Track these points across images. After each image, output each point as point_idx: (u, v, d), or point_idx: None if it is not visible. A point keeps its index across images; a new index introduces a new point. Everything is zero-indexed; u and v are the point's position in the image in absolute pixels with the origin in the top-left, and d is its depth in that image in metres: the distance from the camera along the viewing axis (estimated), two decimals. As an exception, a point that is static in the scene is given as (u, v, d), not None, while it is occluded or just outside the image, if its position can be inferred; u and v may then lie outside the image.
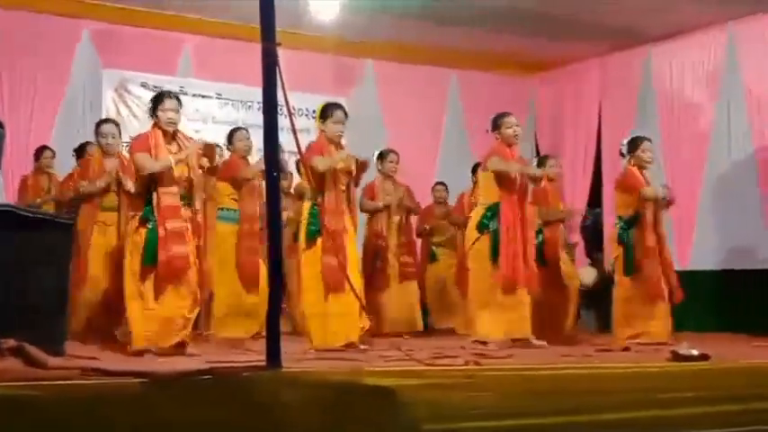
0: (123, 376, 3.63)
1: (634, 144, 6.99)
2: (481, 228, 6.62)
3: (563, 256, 7.74)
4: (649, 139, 7.10)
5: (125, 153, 6.96)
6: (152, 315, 5.50)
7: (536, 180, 6.90)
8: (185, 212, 5.58)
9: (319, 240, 5.96)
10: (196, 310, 5.71)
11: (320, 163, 5.94)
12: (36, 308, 4.64)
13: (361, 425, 3.10)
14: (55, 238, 4.97)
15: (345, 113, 6.22)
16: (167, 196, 5.50)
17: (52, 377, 3.62)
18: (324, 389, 3.42)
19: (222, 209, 7.29)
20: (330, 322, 5.94)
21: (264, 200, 4.80)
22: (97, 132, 7.00)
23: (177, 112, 5.66)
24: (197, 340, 6.44)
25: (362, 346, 5.93)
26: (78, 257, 6.45)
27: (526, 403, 3.56)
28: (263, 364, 3.69)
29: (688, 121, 9.47)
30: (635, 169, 6.94)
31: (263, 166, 4.24)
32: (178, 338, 5.53)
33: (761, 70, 8.80)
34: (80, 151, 7.56)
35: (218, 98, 9.63)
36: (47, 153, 7.92)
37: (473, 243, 6.69)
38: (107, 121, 7.34)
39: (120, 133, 7.13)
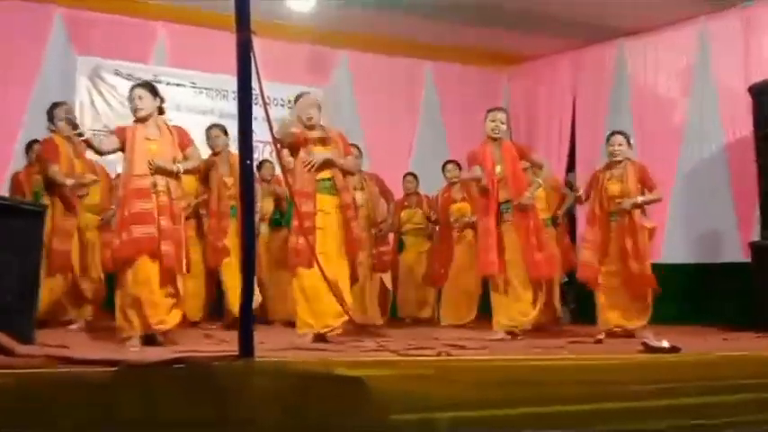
0: (93, 365, 3.60)
1: (607, 137, 7.12)
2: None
3: None
4: (621, 132, 7.16)
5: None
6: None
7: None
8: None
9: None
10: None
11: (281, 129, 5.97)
12: (4, 295, 4.59)
13: (332, 415, 3.10)
14: (23, 225, 4.91)
15: (318, 100, 6.26)
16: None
17: (21, 365, 3.59)
18: (295, 379, 3.41)
19: None
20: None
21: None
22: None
23: (141, 99, 5.69)
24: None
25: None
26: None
27: (497, 394, 3.57)
28: (236, 353, 3.67)
29: (661, 116, 9.53)
30: (599, 168, 7.15)
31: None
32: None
33: (733, 65, 8.86)
34: None
35: (193, 87, 9.58)
36: (37, 147, 7.60)
37: None
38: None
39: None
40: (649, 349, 4.98)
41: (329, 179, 6.06)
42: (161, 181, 5.57)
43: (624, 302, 6.91)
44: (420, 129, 10.79)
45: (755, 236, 8.20)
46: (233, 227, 7.41)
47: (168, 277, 5.54)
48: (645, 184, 6.96)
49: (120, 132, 5.72)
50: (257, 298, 6.79)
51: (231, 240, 7.40)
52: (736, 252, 8.62)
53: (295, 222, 5.95)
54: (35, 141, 7.62)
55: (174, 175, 5.64)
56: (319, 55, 10.09)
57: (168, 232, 5.52)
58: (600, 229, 6.98)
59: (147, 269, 5.48)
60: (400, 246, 9.09)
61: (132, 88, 5.79)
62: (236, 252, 7.28)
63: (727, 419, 3.85)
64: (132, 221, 5.47)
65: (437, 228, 8.99)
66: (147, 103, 5.69)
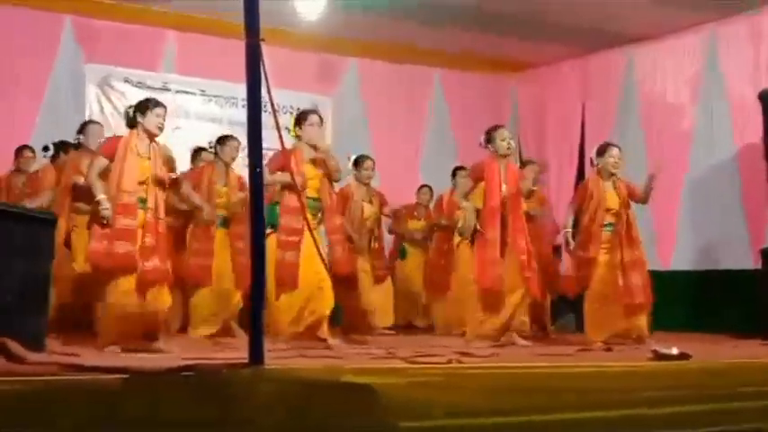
0: (104, 372, 3.61)
1: (602, 150, 7.06)
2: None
3: None
4: (617, 146, 7.14)
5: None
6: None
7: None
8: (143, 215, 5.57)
9: (272, 236, 6.03)
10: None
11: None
12: (15, 303, 4.60)
13: (341, 422, 3.10)
14: (35, 233, 4.93)
15: (321, 118, 6.31)
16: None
17: (32, 373, 3.60)
18: (305, 386, 3.41)
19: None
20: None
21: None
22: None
23: (165, 119, 5.74)
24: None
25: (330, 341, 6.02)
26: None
27: (507, 401, 3.57)
28: (245, 361, 3.68)
29: (670, 123, 9.51)
30: (592, 180, 7.08)
31: None
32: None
33: (742, 72, 8.85)
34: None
35: (202, 94, 9.58)
36: (26, 152, 7.72)
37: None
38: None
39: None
40: (659, 356, 4.98)
41: (316, 199, 6.12)
42: (151, 198, 5.55)
43: (609, 311, 6.88)
44: (428, 135, 10.78)
45: (766, 242, 8.18)
46: (219, 237, 7.23)
47: (149, 290, 5.51)
48: (632, 195, 6.97)
49: (109, 146, 5.71)
50: None
51: (216, 252, 7.18)
52: (746, 259, 8.57)
53: (282, 237, 6.03)
54: (24, 147, 7.71)
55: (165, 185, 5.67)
56: (327, 63, 10.10)
57: (150, 249, 5.49)
58: (592, 243, 6.93)
59: (130, 281, 5.47)
60: (402, 253, 9.10)
61: (163, 107, 5.75)
62: (218, 269, 7.18)
63: (737, 427, 3.83)
64: (115, 237, 5.43)
65: (435, 230, 8.93)
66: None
